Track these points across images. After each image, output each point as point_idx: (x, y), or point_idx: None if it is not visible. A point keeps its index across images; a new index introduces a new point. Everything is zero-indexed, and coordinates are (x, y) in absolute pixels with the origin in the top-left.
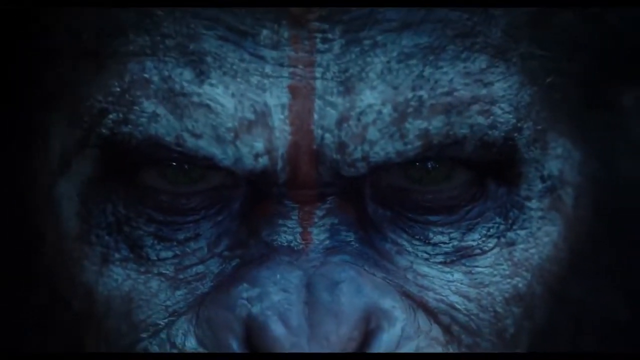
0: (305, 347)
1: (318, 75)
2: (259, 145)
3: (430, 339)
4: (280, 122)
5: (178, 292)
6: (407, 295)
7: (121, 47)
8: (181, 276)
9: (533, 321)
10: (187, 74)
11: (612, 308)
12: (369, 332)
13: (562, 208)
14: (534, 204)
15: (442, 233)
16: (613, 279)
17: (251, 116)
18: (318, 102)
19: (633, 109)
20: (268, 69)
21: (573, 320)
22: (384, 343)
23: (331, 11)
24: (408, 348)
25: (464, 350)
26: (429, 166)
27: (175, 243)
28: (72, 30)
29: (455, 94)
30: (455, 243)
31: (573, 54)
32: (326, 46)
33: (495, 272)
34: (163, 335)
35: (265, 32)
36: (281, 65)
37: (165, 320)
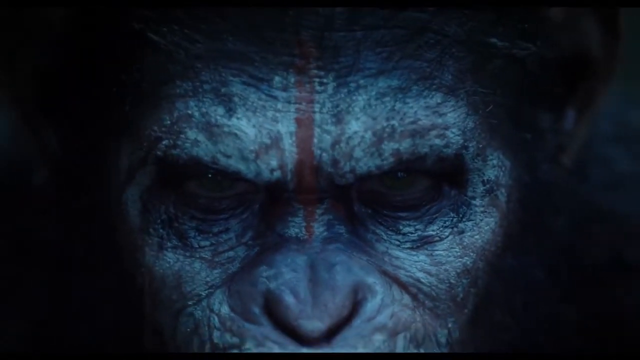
0: (310, 313)
1: (317, 110)
2: (274, 163)
3: (402, 305)
4: (289, 145)
5: (214, 271)
6: (384, 273)
7: (170, 91)
8: (216, 259)
9: (477, 288)
10: (220, 110)
11: (534, 275)
12: (357, 302)
13: (498, 204)
14: (477, 202)
15: (409, 225)
16: (534, 254)
17: (267, 141)
18: (317, 130)
19: (547, 129)
20: (279, 106)
21: (505, 285)
22: (368, 310)
23: (325, 62)
24: (386, 313)
25: (426, 311)
26: (399, 176)
27: (211, 235)
28: (134, 79)
29: (419, 122)
30: (420, 233)
31: (504, 90)
32: (322, 88)
33: (450, 254)
34: (204, 303)
35: (277, 78)
36: (289, 102)
37: (206, 292)
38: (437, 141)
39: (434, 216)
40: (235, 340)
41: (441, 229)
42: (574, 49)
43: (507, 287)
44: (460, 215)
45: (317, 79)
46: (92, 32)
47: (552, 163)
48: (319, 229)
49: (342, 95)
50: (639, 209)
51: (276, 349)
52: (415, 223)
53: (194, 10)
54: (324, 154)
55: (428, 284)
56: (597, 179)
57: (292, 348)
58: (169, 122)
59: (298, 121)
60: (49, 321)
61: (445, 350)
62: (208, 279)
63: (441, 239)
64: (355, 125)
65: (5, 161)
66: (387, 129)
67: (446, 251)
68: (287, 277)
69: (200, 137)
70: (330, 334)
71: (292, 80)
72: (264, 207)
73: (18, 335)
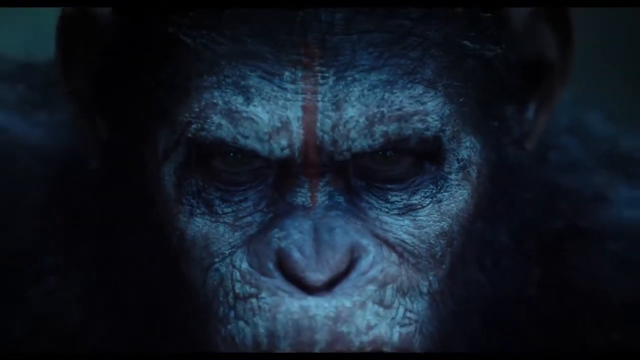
0: (314, 267)
1: (319, 99)
2: (284, 142)
3: (390, 261)
4: (296, 128)
5: (235, 234)
6: (375, 235)
7: (199, 84)
8: (237, 224)
9: (452, 248)
10: (240, 99)
11: (501, 239)
12: (353, 259)
13: (470, 179)
14: (452, 176)
15: (396, 195)
16: (501, 221)
17: (279, 125)
18: (320, 115)
19: (511, 118)
20: (289, 96)
21: (476, 246)
22: (362, 265)
23: (326, 60)
24: (377, 268)
25: (410, 266)
26: (388, 154)
27: (232, 203)
28: (169, 74)
29: (404, 109)
30: (405, 202)
31: (475, 84)
32: (324, 81)
33: (430, 219)
34: (227, 260)
35: (287, 73)
36: (296, 93)
37: (228, 251)
38: (419, 125)
39: (417, 188)
40: (253, 290)
41: (422, 198)
42: (534, 52)
43: (478, 248)
44: (439, 187)
45: (320, 74)
46: (134, 36)
47: (516, 147)
48: (321, 199)
49: (341, 87)
50: (587, 186)
51: (287, 297)
52: (401, 193)
53: (218, 17)
54: (325, 135)
55: (411, 244)
56: (555, 161)
57: (300, 296)
58: (197, 109)
59: (304, 108)
60: (100, 280)
61: (426, 299)
62: (230, 240)
63: (422, 207)
64: (351, 112)
65: (67, 148)
66: (378, 115)
67: (426, 217)
68: (295, 237)
69: (223, 122)
70: (331, 284)
71: (299, 74)
72: (275, 180)
73: (74, 294)
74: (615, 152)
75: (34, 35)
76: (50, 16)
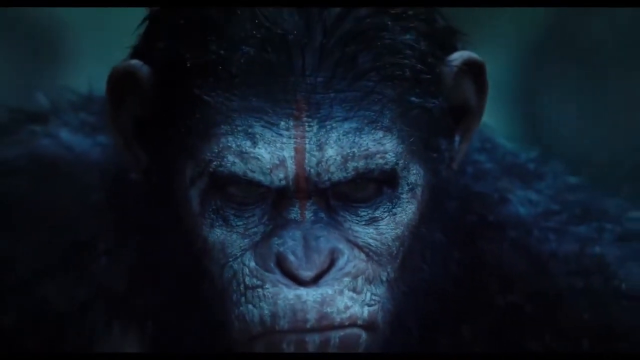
0: (304, 266)
1: (307, 142)
2: (281, 175)
3: (360, 259)
4: (290, 164)
5: (245, 240)
6: (349, 241)
7: (217, 131)
8: (246, 233)
9: (404, 247)
10: (248, 143)
11: (436, 236)
12: (333, 259)
13: (416, 196)
14: (404, 196)
15: (363, 211)
16: (437, 223)
17: (277, 162)
18: (307, 155)
19: (444, 148)
20: (284, 140)
21: (420, 244)
22: (340, 264)
23: (311, 113)
24: (350, 265)
25: (374, 262)
26: (357, 182)
27: (243, 218)
28: (194, 123)
29: (369, 150)
30: (370, 215)
31: (420, 128)
32: (310, 129)
33: (388, 228)
34: (239, 260)
35: (282, 123)
36: (290, 138)
37: (240, 253)
38: (380, 161)
39: (378, 205)
40: (259, 282)
41: (382, 212)
42: (459, 100)
43: (421, 245)
44: (394, 204)
45: (306, 123)
46: (168, 93)
47: (447, 168)
48: (308, 215)
49: (322, 133)
50: (494, 190)
51: (284, 288)
52: (367, 209)
53: (231, 81)
54: (312, 170)
55: (374, 246)
56: (470, 173)
57: (294, 287)
58: (216, 150)
59: (295, 149)
60: (141, 263)
61: (385, 285)
62: (241, 245)
63: (382, 219)
64: (331, 152)
65: (118, 163)
66: (350, 154)
67: (385, 226)
68: (290, 244)
69: (236, 160)
70: (317, 278)
71: (291, 124)
72: (274, 201)
73: (121, 271)
74: (514, 164)
75: (97, 74)
76: (108, 62)
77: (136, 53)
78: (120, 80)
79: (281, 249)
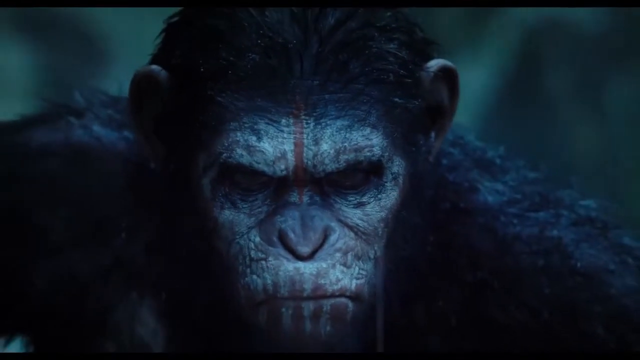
0: (302, 242)
1: (305, 138)
2: (282, 166)
3: (349, 237)
4: (290, 157)
5: (251, 219)
6: (340, 220)
7: (227, 127)
8: (252, 213)
9: (388, 228)
10: (254, 138)
11: (415, 219)
12: (326, 236)
13: (398, 184)
14: (388, 184)
15: (352, 197)
16: (416, 208)
17: (279, 155)
18: (305, 149)
19: (422, 143)
20: (285, 136)
21: (402, 225)
22: (332, 240)
23: (308, 112)
24: (341, 242)
25: (362, 240)
26: (348, 172)
27: (248, 201)
28: (207, 119)
29: (358, 144)
30: (358, 200)
31: (402, 124)
32: (307, 126)
33: (373, 211)
34: (245, 236)
35: (283, 120)
36: (290, 134)
37: (246, 230)
38: (368, 154)
39: (365, 192)
40: (262, 255)
41: (369, 198)
42: (435, 102)
43: (402, 226)
44: (379, 191)
45: (304, 121)
46: (185, 94)
47: (424, 160)
48: (305, 198)
49: (318, 130)
50: (465, 180)
51: (285, 261)
52: (355, 195)
53: (239, 84)
54: (309, 162)
55: (362, 227)
56: (445, 164)
57: (293, 260)
58: (226, 144)
59: (295, 144)
60: (158, 239)
61: (371, 262)
62: (247, 224)
63: (369, 203)
64: (325, 146)
65: (139, 154)
66: (342, 148)
67: (371, 209)
68: (290, 222)
69: (243, 153)
70: (313, 253)
71: (291, 121)
72: (276, 188)
73: (139, 246)
74: (482, 159)
75: (124, 77)
76: (136, 68)
77: (155, 60)
78: (141, 83)
79: (283, 225)
